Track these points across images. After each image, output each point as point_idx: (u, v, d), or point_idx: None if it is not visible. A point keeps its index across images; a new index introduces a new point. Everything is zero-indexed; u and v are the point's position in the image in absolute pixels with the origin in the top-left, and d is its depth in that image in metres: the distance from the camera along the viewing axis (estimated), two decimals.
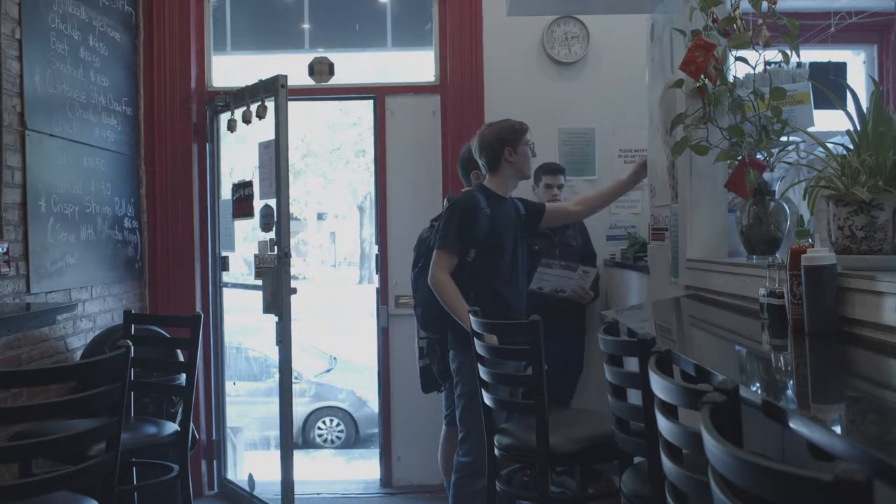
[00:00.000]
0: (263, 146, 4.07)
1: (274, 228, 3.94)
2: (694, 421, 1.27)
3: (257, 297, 4.06)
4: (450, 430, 3.79)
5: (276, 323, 3.91)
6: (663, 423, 1.49)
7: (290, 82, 3.95)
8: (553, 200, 4.18)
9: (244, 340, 7.51)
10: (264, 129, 4.08)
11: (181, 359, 3.59)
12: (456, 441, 3.82)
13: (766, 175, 2.76)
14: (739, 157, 2.75)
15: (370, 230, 9.75)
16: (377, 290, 4.72)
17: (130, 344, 2.27)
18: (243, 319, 5.84)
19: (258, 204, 4.14)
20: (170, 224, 4.53)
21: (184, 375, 3.36)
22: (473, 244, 3.27)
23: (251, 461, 5.21)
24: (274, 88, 3.91)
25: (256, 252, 4.15)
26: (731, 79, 2.86)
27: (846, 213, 2.00)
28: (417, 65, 4.81)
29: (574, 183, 4.52)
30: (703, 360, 1.76)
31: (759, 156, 2.72)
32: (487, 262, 3.28)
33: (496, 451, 2.86)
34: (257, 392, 7.96)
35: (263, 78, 4.02)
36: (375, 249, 4.76)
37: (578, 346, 4.31)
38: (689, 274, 3.09)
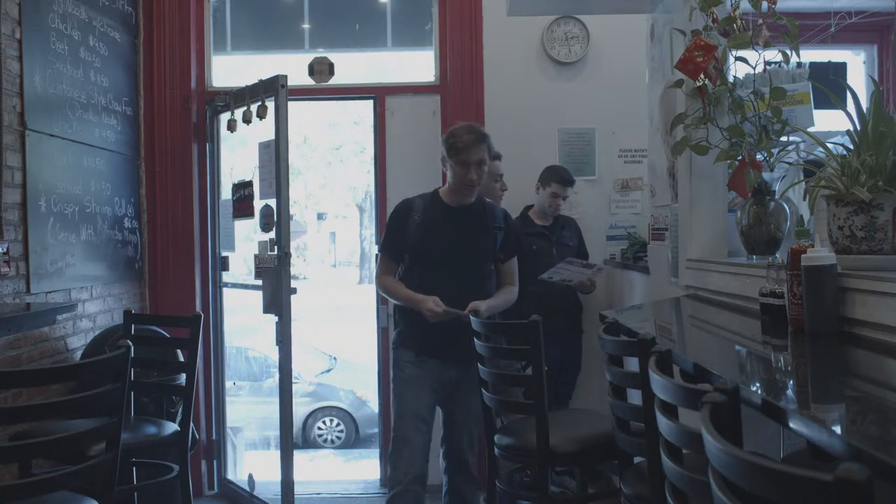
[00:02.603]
0: (263, 146, 4.07)
1: (274, 228, 3.94)
2: (694, 421, 1.27)
3: (257, 297, 4.06)
4: None
5: (276, 323, 3.90)
6: (663, 423, 1.49)
7: (290, 82, 3.95)
8: (554, 208, 4.20)
9: (244, 340, 7.50)
10: (264, 129, 4.07)
11: (181, 359, 3.59)
12: None
13: (766, 175, 2.76)
14: (739, 157, 2.75)
15: (370, 230, 9.74)
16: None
17: (130, 344, 2.28)
18: (243, 319, 5.84)
19: (258, 204, 4.15)
20: (170, 224, 4.53)
21: (184, 375, 3.37)
22: (407, 250, 3.25)
23: (251, 461, 5.21)
24: (274, 88, 3.91)
25: (256, 252, 4.15)
26: (731, 79, 2.86)
27: (846, 213, 2.00)
28: (417, 65, 4.81)
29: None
30: (703, 360, 1.76)
31: (759, 156, 2.72)
32: (418, 269, 3.24)
33: (496, 451, 2.86)
34: (257, 392, 7.96)
35: (263, 78, 4.02)
36: (375, 249, 4.75)
37: (576, 347, 4.31)
38: (689, 274, 3.09)
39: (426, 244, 3.20)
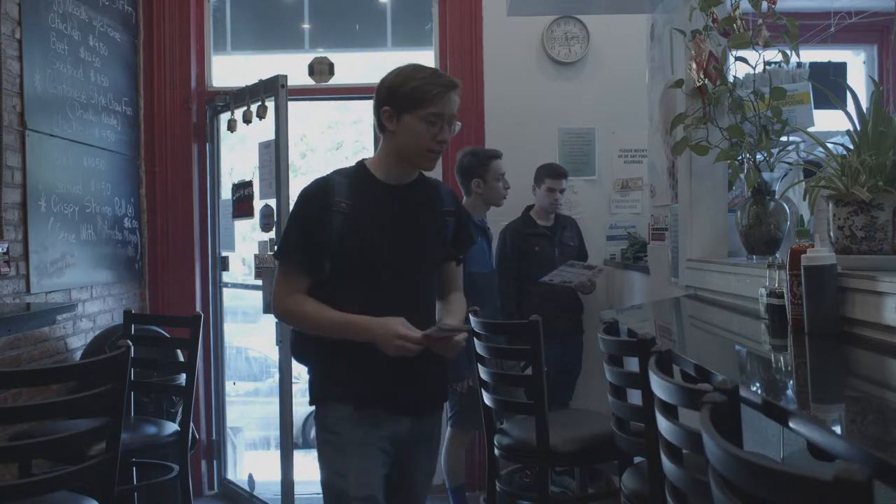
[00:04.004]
0: (263, 146, 4.07)
1: (274, 228, 3.94)
2: (694, 421, 1.27)
3: (257, 297, 4.06)
4: (455, 431, 3.79)
5: (276, 323, 3.90)
6: (663, 423, 1.49)
7: (290, 82, 3.95)
8: (554, 205, 4.18)
9: (244, 340, 7.50)
10: (264, 129, 4.07)
11: (181, 359, 3.59)
12: (460, 443, 3.83)
13: (766, 175, 2.76)
14: (740, 158, 2.75)
15: None
16: None
17: (130, 344, 2.27)
18: (243, 319, 5.84)
19: (258, 204, 4.15)
20: (170, 224, 4.53)
21: (184, 375, 3.37)
22: (327, 254, 2.13)
23: (251, 461, 5.21)
24: (274, 88, 3.91)
25: (256, 252, 4.15)
26: (731, 79, 2.86)
27: (846, 213, 2.00)
28: None
29: (574, 183, 4.52)
30: (703, 360, 1.76)
31: (759, 156, 2.72)
32: (352, 278, 2.14)
33: (496, 451, 2.86)
34: (257, 392, 7.96)
35: (263, 78, 4.02)
36: None
37: (576, 347, 4.31)
38: (689, 274, 3.09)
39: (362, 243, 2.14)
